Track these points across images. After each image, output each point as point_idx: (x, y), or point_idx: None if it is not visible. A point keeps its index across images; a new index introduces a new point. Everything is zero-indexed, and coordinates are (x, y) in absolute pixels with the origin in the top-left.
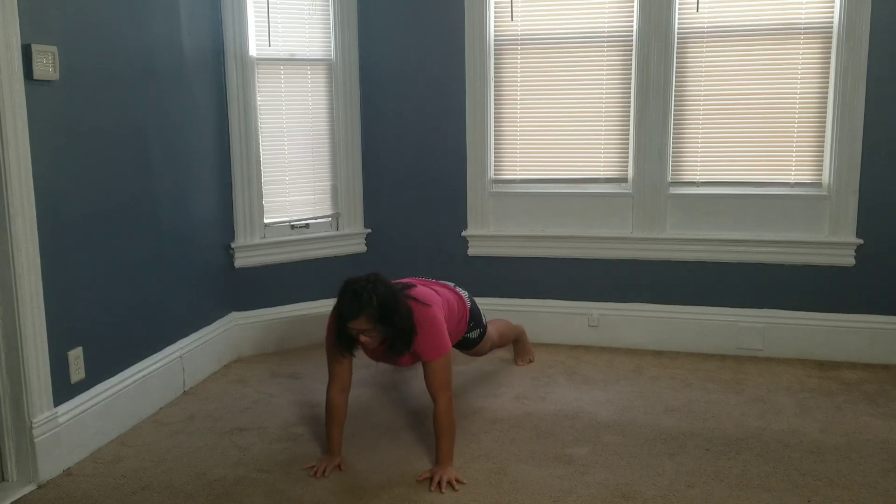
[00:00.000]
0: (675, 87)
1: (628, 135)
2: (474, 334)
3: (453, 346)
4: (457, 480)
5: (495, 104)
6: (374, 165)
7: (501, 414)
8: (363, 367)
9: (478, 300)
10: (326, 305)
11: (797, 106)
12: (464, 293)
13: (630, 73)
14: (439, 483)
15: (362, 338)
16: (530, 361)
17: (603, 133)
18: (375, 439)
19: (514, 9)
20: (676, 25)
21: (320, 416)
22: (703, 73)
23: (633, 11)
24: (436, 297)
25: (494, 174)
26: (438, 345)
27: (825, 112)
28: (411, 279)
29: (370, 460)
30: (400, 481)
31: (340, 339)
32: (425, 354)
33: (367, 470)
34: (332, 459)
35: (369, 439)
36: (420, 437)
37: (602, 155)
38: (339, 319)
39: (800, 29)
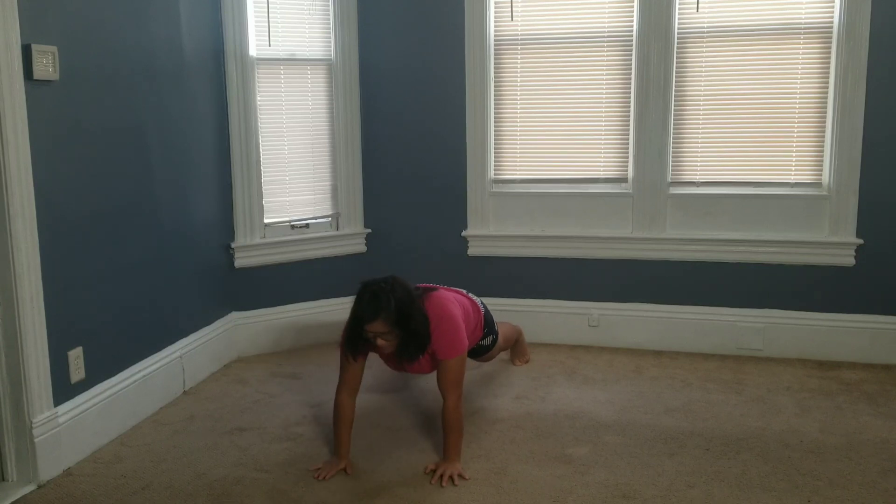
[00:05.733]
0: (675, 87)
1: (628, 135)
2: (487, 341)
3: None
4: (459, 476)
5: (495, 104)
6: (374, 165)
7: (501, 414)
8: (367, 369)
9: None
10: (326, 305)
11: (797, 106)
12: (477, 300)
13: (630, 73)
14: (441, 476)
15: (379, 341)
16: (527, 362)
17: (603, 133)
18: (376, 439)
19: (514, 9)
20: (676, 25)
21: (320, 416)
22: (703, 73)
23: (633, 11)
24: (455, 300)
25: (494, 174)
26: (455, 343)
27: (825, 112)
28: (427, 285)
29: (371, 460)
30: (401, 481)
31: (356, 342)
32: (441, 352)
33: (368, 470)
34: (339, 463)
35: (369, 439)
36: (421, 437)
37: (602, 155)
38: (355, 322)
39: (800, 29)
